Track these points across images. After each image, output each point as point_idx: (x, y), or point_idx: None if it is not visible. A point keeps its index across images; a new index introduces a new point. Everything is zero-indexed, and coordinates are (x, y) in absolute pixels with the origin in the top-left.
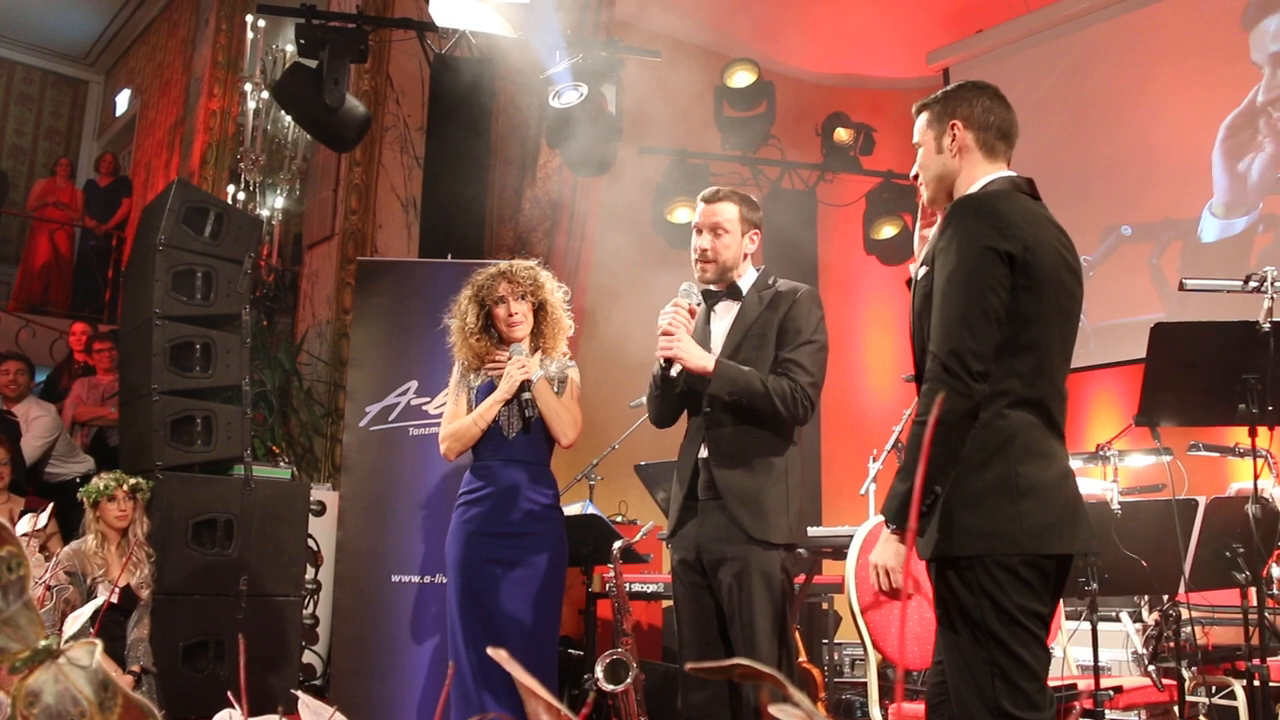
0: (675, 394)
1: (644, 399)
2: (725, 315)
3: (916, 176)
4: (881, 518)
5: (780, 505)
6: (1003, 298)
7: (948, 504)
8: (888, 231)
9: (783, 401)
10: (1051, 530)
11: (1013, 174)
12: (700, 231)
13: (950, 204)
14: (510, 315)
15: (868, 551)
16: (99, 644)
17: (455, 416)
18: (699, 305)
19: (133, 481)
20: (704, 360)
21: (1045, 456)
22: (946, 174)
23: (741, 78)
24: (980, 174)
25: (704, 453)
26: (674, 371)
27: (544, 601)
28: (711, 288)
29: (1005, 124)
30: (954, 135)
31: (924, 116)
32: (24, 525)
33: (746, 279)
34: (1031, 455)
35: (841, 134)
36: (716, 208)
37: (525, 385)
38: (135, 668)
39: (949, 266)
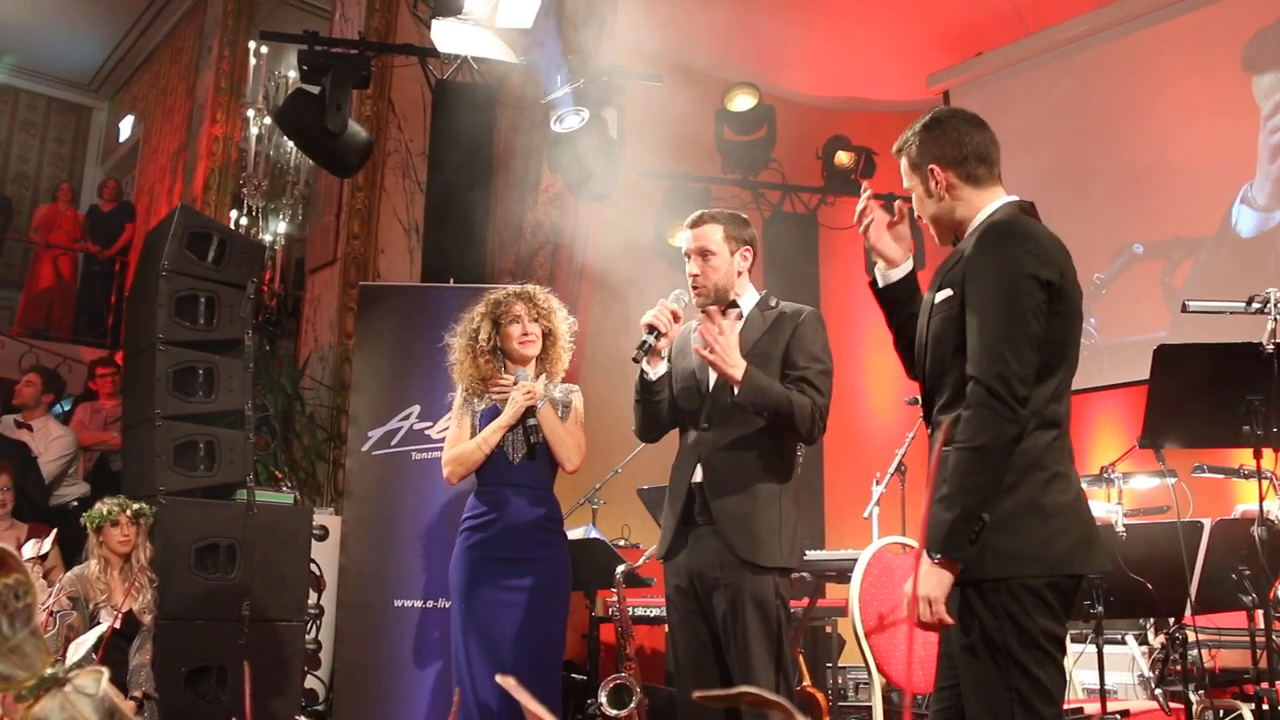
0: (656, 401)
1: None
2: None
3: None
4: (885, 541)
5: (773, 528)
6: (1042, 323)
7: None
8: None
9: (805, 419)
10: (1075, 551)
11: (1015, 199)
12: (690, 257)
13: (979, 231)
14: (524, 334)
15: (871, 575)
16: (105, 672)
17: (458, 440)
18: (683, 309)
19: (136, 507)
20: (737, 369)
21: (1065, 478)
22: (942, 214)
23: (742, 101)
24: (980, 204)
25: (698, 476)
26: (653, 376)
27: (548, 626)
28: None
29: (981, 148)
30: (935, 180)
31: (903, 163)
32: (28, 551)
33: (747, 299)
34: (1055, 477)
35: (842, 157)
36: (700, 231)
37: (530, 411)
38: (137, 694)
39: (987, 290)
